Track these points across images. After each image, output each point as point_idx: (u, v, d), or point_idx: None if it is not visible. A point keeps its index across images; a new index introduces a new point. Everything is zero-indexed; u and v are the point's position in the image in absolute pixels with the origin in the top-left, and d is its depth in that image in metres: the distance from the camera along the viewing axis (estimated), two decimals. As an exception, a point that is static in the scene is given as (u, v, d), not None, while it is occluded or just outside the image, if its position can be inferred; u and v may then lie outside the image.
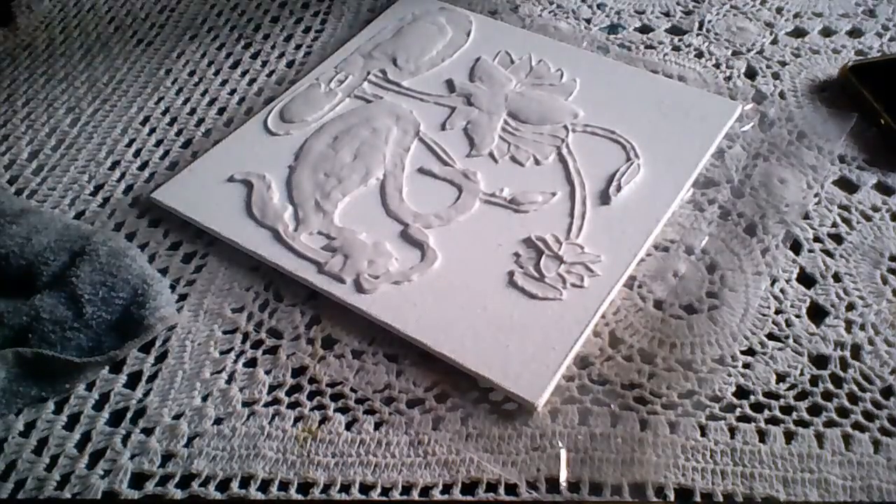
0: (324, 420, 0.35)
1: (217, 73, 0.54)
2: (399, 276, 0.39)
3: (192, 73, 0.54)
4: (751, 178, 0.44)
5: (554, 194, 0.42)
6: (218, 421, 0.35)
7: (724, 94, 0.49)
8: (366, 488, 0.33)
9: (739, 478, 0.32)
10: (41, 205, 0.45)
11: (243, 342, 0.38)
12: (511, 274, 0.38)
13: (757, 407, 0.34)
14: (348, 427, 0.35)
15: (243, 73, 0.53)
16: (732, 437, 0.33)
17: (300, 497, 0.33)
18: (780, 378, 0.35)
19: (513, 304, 0.37)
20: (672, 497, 0.32)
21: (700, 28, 0.54)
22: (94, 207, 0.44)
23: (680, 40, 0.53)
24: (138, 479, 0.33)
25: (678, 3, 0.56)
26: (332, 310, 0.39)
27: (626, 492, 0.32)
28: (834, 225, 0.41)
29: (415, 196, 0.43)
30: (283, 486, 0.33)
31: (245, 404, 0.36)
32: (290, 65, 0.54)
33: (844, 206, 0.42)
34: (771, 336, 0.37)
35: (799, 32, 0.54)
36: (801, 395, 0.35)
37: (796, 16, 0.55)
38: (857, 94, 0.47)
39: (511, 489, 0.32)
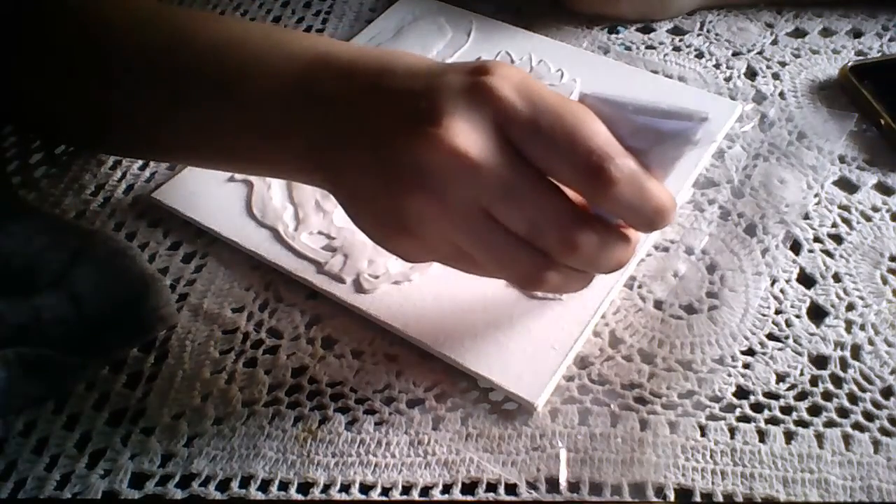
0: (324, 420, 0.35)
1: (217, 73, 0.54)
2: (399, 276, 0.39)
3: (192, 73, 0.54)
4: (751, 178, 0.44)
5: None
6: (218, 421, 0.35)
7: (724, 95, 0.49)
8: (366, 488, 0.33)
9: (739, 478, 0.32)
10: (41, 205, 0.44)
11: (243, 342, 0.38)
12: (511, 274, 0.38)
13: (757, 407, 0.34)
14: (348, 427, 0.35)
15: (243, 73, 0.53)
16: (732, 437, 0.33)
17: (300, 497, 0.33)
18: (780, 378, 0.35)
19: (513, 304, 0.37)
20: (672, 497, 0.32)
21: (700, 28, 0.54)
22: (94, 207, 0.44)
23: (680, 40, 0.53)
24: (138, 479, 0.33)
25: (678, 4, 0.56)
26: (332, 310, 0.39)
27: (626, 492, 0.32)
28: (834, 225, 0.41)
29: (415, 196, 0.43)
30: (283, 486, 0.33)
31: (245, 404, 0.36)
32: (290, 65, 0.54)
33: (844, 206, 0.42)
34: (771, 336, 0.37)
35: (799, 33, 0.54)
36: (801, 396, 0.35)
37: (796, 16, 0.55)
38: (857, 94, 0.47)
39: (511, 489, 0.32)
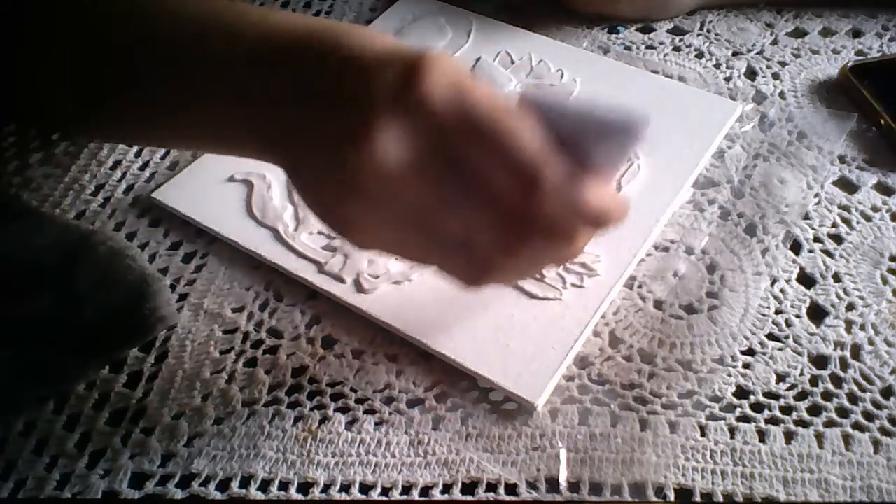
0: (324, 420, 0.35)
1: (217, 73, 0.54)
2: (399, 276, 0.39)
3: (192, 73, 0.54)
4: (751, 178, 0.44)
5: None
6: (218, 421, 0.35)
7: (724, 95, 0.49)
8: (366, 488, 0.33)
9: (739, 478, 0.32)
10: (41, 205, 0.45)
11: (243, 342, 0.38)
12: (511, 274, 0.38)
13: (757, 407, 0.34)
14: (348, 427, 0.35)
15: (243, 73, 0.53)
16: (732, 437, 0.33)
17: (300, 497, 0.33)
18: (780, 378, 0.35)
19: (513, 304, 0.37)
20: (672, 497, 0.32)
21: (701, 28, 0.54)
22: (94, 207, 0.45)
23: (680, 40, 0.53)
24: (138, 479, 0.33)
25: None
26: (332, 310, 0.39)
27: (626, 492, 0.32)
28: (834, 225, 0.41)
29: (415, 196, 0.43)
30: (283, 485, 0.33)
31: (245, 404, 0.36)
32: (290, 65, 0.54)
33: (844, 206, 0.42)
34: (771, 336, 0.37)
35: (799, 33, 0.54)
36: (801, 396, 0.35)
37: (796, 16, 0.55)
38: (857, 94, 0.47)
39: (511, 489, 0.32)
